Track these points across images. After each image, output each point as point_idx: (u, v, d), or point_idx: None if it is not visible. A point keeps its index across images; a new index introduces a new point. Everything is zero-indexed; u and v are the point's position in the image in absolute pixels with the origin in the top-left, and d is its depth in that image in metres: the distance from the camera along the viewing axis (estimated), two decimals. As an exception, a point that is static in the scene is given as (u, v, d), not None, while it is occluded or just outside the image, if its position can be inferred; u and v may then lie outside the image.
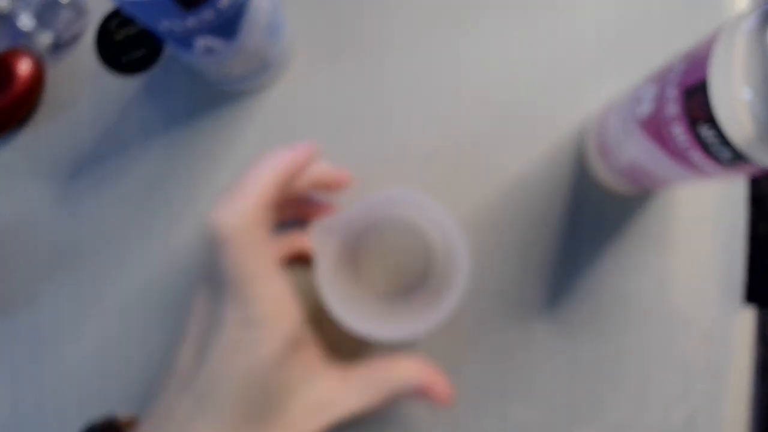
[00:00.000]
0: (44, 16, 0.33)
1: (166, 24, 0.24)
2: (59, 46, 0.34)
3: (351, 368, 0.24)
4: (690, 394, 0.29)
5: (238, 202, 0.22)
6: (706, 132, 0.19)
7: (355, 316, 0.24)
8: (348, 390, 0.24)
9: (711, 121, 0.18)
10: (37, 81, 0.33)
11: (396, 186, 0.31)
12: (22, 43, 0.34)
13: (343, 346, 0.30)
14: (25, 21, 0.34)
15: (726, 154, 0.19)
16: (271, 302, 0.22)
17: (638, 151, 0.24)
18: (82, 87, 0.34)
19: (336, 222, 0.25)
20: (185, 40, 0.26)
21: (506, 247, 0.31)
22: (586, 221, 0.30)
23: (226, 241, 0.22)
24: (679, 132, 0.20)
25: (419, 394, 0.24)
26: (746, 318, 0.30)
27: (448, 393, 0.25)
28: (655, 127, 0.21)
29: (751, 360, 0.30)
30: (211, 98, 0.33)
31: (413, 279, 0.30)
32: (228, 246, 0.21)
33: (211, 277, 0.23)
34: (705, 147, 0.19)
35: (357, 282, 0.30)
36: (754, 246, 0.30)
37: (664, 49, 0.31)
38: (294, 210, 0.29)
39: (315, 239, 0.25)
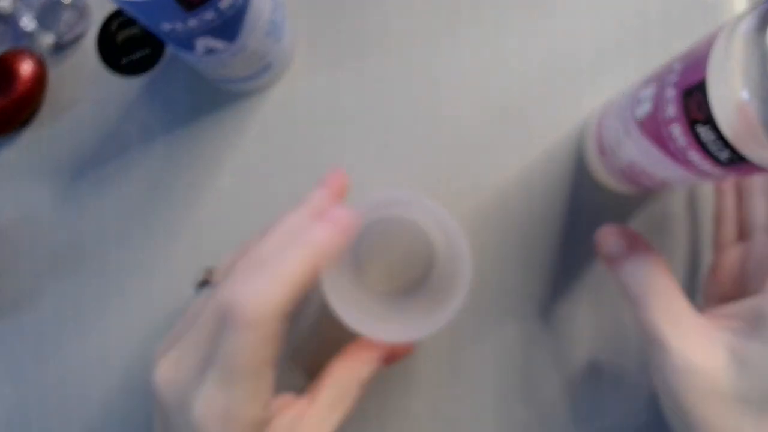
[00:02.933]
0: (46, 16, 0.33)
1: (167, 25, 0.24)
2: (61, 47, 0.34)
3: (313, 393, 0.24)
4: (689, 394, 0.29)
5: (269, 284, 0.20)
6: (704, 133, 0.19)
7: (357, 317, 0.25)
8: (320, 419, 0.23)
9: (709, 121, 0.18)
10: (39, 82, 0.33)
11: (396, 186, 0.31)
12: (24, 44, 0.34)
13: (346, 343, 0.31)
14: (27, 22, 0.34)
15: (724, 154, 0.19)
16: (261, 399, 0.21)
17: (637, 151, 0.24)
18: (84, 87, 0.34)
19: None
20: (186, 41, 0.26)
21: (505, 247, 0.31)
22: (585, 221, 0.30)
23: (249, 326, 0.19)
24: (678, 133, 0.20)
25: (384, 365, 0.25)
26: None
27: (406, 350, 0.26)
28: (653, 128, 0.22)
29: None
30: (213, 99, 0.33)
31: (415, 279, 0.30)
32: (249, 332, 0.19)
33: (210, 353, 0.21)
34: (704, 148, 0.19)
35: (359, 282, 0.30)
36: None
37: (662, 49, 0.31)
38: None
39: None
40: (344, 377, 0.24)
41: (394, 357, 0.26)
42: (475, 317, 0.30)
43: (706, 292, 0.28)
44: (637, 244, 0.24)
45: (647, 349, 0.23)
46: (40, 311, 0.33)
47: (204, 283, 0.26)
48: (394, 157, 0.32)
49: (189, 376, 0.21)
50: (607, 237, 0.24)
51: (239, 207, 0.32)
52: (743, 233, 0.27)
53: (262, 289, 0.20)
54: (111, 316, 0.32)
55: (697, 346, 0.21)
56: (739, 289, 0.25)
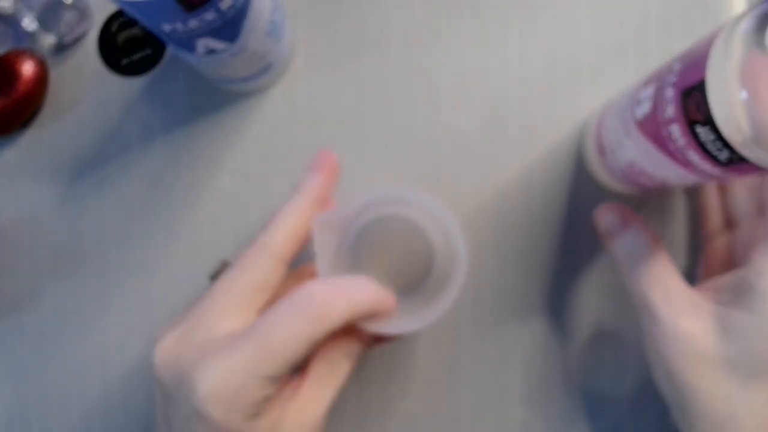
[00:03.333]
0: (47, 17, 0.33)
1: (167, 25, 0.25)
2: (62, 48, 0.34)
3: (304, 370, 0.24)
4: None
5: (349, 298, 0.22)
6: (703, 133, 0.19)
7: None
8: (313, 394, 0.23)
9: (708, 122, 0.18)
10: (40, 82, 0.33)
11: (396, 184, 0.31)
12: (25, 45, 0.34)
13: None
14: (29, 22, 0.34)
15: (724, 154, 0.19)
16: None
17: (636, 151, 0.24)
18: (86, 88, 0.34)
19: (336, 217, 0.25)
20: (187, 42, 0.26)
21: (505, 247, 0.31)
22: (584, 221, 0.30)
23: (319, 318, 0.21)
24: (677, 133, 0.20)
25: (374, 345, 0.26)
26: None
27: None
28: (653, 129, 0.22)
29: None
30: (213, 99, 0.33)
31: (414, 280, 0.30)
32: (317, 323, 0.21)
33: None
34: (703, 148, 0.19)
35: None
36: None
37: (662, 49, 0.31)
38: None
39: (316, 234, 0.25)
40: (334, 352, 0.24)
41: (383, 338, 0.26)
42: (475, 317, 0.31)
43: (698, 279, 0.29)
44: (631, 220, 0.25)
45: (639, 319, 0.24)
46: (41, 311, 0.33)
47: (217, 275, 0.26)
48: (394, 157, 0.32)
49: (203, 347, 0.21)
50: (604, 213, 0.26)
51: (239, 207, 0.32)
52: (728, 223, 0.28)
53: (346, 298, 0.22)
54: (111, 316, 0.32)
55: (685, 314, 0.22)
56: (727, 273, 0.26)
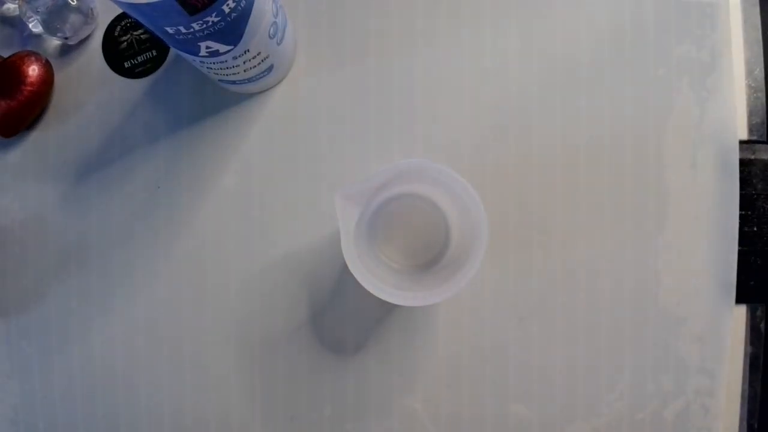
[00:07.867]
0: (53, 19, 0.33)
1: (170, 28, 0.25)
2: (68, 50, 0.35)
3: None
4: (684, 390, 0.30)
5: None
6: None
7: (376, 283, 0.25)
8: None
9: None
10: (46, 84, 0.33)
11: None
12: (31, 47, 0.35)
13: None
14: (35, 25, 0.34)
15: None
16: None
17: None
18: (90, 89, 0.34)
19: (356, 190, 0.25)
20: (190, 44, 0.26)
21: (504, 247, 0.31)
22: (582, 221, 0.30)
23: None
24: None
25: None
26: (739, 315, 0.30)
27: None
28: None
29: (744, 356, 0.30)
30: (216, 100, 0.33)
31: (430, 255, 0.30)
32: None
33: None
34: None
35: (375, 257, 0.30)
36: (744, 244, 0.30)
37: (658, 52, 0.31)
38: None
39: (338, 206, 0.25)
40: None
41: None
42: (473, 317, 0.31)
43: None
44: None
45: None
46: (46, 309, 0.33)
47: None
48: (396, 158, 0.32)
49: None
50: None
51: (242, 206, 0.33)
52: None
53: None
54: (115, 315, 0.33)
55: None
56: None
